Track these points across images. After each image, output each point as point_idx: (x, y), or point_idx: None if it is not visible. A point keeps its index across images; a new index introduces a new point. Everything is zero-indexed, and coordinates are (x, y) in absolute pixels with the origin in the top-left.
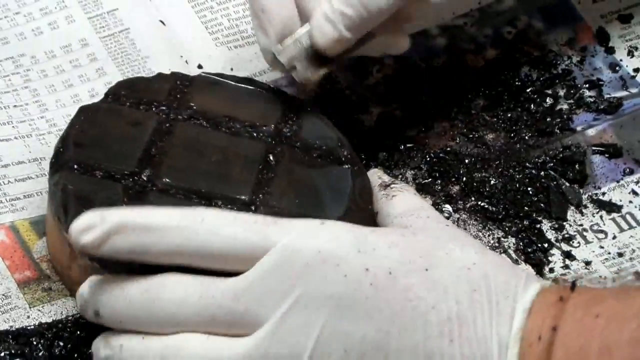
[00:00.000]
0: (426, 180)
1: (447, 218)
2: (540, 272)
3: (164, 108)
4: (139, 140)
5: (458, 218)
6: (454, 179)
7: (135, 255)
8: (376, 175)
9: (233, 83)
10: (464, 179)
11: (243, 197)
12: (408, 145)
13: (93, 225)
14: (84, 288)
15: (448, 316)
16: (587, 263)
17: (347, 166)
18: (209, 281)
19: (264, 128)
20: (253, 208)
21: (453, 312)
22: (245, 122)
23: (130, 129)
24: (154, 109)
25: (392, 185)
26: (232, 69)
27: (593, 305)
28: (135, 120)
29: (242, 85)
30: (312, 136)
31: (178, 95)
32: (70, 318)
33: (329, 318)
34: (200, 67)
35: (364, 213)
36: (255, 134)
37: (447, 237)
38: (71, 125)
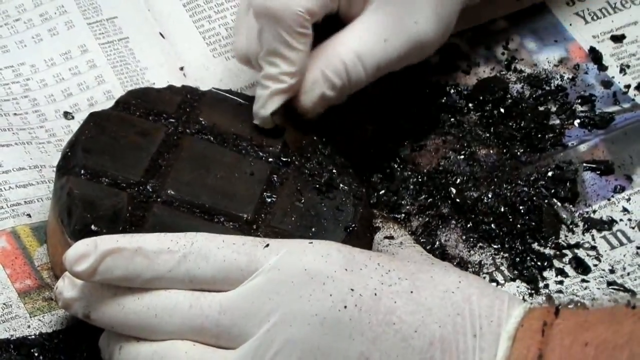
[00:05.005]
0: (419, 200)
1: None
2: (534, 289)
3: (173, 120)
4: (146, 150)
5: (450, 236)
6: (446, 198)
7: (128, 281)
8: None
9: (242, 101)
10: (457, 198)
11: (245, 216)
12: (401, 164)
13: (87, 254)
14: (66, 289)
15: (430, 341)
16: (580, 280)
17: (349, 193)
18: (199, 293)
19: (270, 149)
20: (254, 227)
21: (436, 337)
22: (251, 141)
23: (138, 139)
24: (163, 120)
25: (380, 218)
26: (231, 89)
27: (581, 332)
28: (144, 131)
29: (251, 104)
30: (316, 160)
31: (187, 109)
32: (70, 329)
33: (312, 337)
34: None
35: (363, 240)
36: (261, 154)
37: (431, 262)
38: (80, 130)
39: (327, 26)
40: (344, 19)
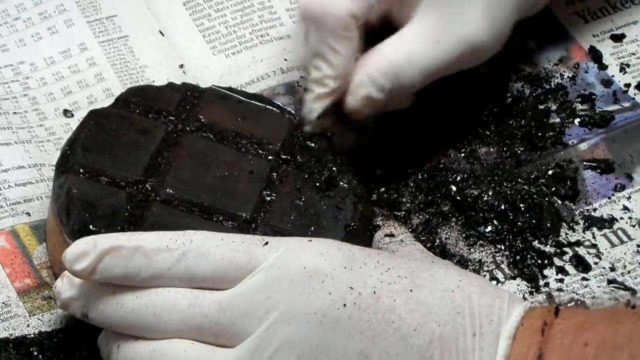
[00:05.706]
0: (419, 198)
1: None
2: (535, 287)
3: (172, 118)
4: (146, 149)
5: (450, 234)
6: (446, 196)
7: (127, 280)
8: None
9: (242, 98)
10: (457, 195)
11: (244, 215)
12: (402, 162)
13: (86, 252)
14: (65, 288)
15: (430, 339)
16: (581, 278)
17: (349, 191)
18: (198, 291)
19: (270, 146)
20: (254, 226)
21: (435, 335)
22: (251, 139)
23: (138, 137)
24: (162, 118)
25: (380, 216)
26: (231, 86)
27: (581, 332)
28: (144, 129)
29: (252, 102)
30: (316, 158)
31: (187, 107)
32: (70, 327)
33: (311, 335)
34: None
35: (363, 238)
36: (261, 152)
37: (431, 260)
38: (80, 128)
39: (384, 34)
40: (397, 25)
